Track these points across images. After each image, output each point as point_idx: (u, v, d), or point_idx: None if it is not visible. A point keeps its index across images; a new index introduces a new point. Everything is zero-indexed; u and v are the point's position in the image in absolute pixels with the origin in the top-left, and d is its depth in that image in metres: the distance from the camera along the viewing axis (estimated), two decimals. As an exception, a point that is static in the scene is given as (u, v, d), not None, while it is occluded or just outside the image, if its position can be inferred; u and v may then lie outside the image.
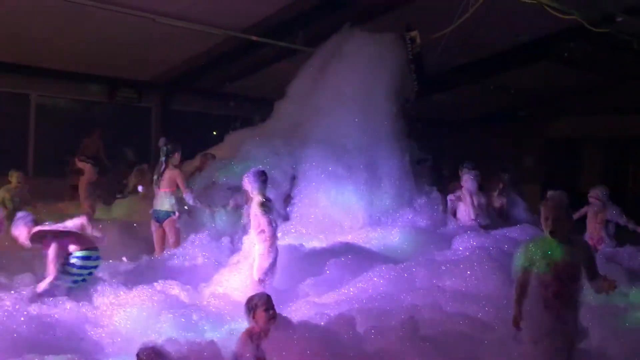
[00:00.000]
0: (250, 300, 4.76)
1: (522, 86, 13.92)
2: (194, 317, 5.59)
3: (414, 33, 10.14)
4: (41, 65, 11.52)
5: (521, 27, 10.97)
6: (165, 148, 8.12)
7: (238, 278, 6.46)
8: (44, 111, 12.44)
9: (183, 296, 6.22)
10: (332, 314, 5.16)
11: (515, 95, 14.79)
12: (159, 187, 8.13)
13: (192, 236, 7.84)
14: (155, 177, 8.21)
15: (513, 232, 8.38)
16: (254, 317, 4.65)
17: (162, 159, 8.14)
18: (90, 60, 11.43)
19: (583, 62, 12.51)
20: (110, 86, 12.77)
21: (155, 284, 6.33)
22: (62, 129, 12.78)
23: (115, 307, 5.67)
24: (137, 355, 4.27)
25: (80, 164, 9.77)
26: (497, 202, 10.18)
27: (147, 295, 5.80)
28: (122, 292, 5.99)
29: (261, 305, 4.64)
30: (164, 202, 8.09)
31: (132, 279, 6.65)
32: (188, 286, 6.54)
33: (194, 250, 7.46)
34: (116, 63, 11.69)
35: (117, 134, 13.17)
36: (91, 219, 9.53)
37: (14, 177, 9.39)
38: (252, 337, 4.60)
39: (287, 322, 4.74)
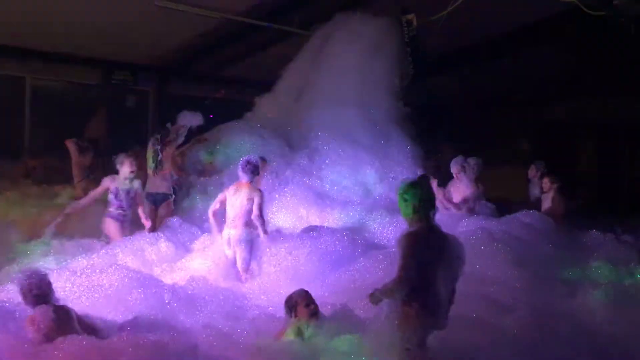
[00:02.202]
0: (289, 299, 4.73)
1: (518, 70, 13.91)
2: (166, 297, 5.54)
3: (410, 16, 10.13)
4: (37, 48, 11.47)
5: (517, 10, 10.93)
6: (160, 132, 8.26)
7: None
8: (39, 94, 12.39)
9: (156, 276, 6.24)
10: (330, 302, 5.13)
11: (511, 79, 14.77)
12: (156, 172, 8.21)
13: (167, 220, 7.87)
14: (152, 162, 8.26)
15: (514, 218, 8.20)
16: (296, 316, 4.62)
17: (158, 146, 8.28)
18: (87, 42, 11.35)
19: (579, 45, 12.48)
20: (106, 69, 12.71)
21: (128, 263, 6.41)
22: (58, 112, 12.74)
23: (87, 286, 5.63)
24: (20, 288, 4.29)
25: (68, 145, 9.75)
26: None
27: (119, 276, 5.75)
28: (94, 271, 5.94)
29: (301, 302, 4.64)
30: (160, 184, 8.15)
31: (106, 258, 6.67)
32: (161, 266, 6.63)
33: (169, 232, 7.45)
34: (112, 46, 11.62)
35: (114, 118, 13.14)
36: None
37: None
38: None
39: None
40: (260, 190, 6.80)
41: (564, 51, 12.80)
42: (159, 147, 8.21)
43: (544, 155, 14.75)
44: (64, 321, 4.20)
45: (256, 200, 6.59)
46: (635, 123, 14.51)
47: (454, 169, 8.60)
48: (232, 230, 6.67)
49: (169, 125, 8.51)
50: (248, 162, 6.71)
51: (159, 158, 8.18)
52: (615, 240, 7.32)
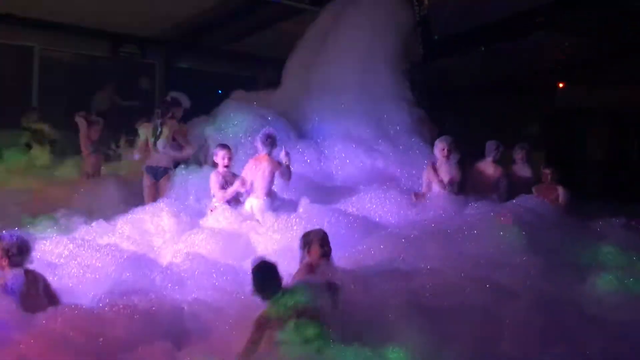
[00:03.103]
0: (306, 235, 4.97)
1: (529, 54, 13.75)
2: (158, 276, 5.43)
3: (421, -5, 10.00)
4: (46, 18, 11.46)
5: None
6: (161, 106, 8.34)
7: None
8: (48, 64, 12.39)
9: (150, 255, 6.13)
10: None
11: (522, 63, 14.62)
12: (156, 146, 8.22)
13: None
14: (152, 136, 8.25)
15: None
16: (308, 252, 4.85)
17: (158, 120, 8.26)
18: (95, 14, 11.33)
19: (591, 30, 12.30)
20: (113, 41, 12.72)
21: (121, 242, 6.33)
22: (66, 82, 12.74)
23: (78, 264, 5.52)
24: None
25: (77, 119, 9.77)
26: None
27: (110, 254, 5.65)
28: (85, 248, 5.85)
29: (317, 241, 4.84)
30: (161, 158, 8.20)
31: (101, 236, 6.61)
32: (155, 244, 6.59)
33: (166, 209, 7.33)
34: (121, 18, 11.60)
35: (121, 90, 13.14)
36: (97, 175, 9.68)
37: None
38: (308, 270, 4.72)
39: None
40: (278, 163, 7.12)
41: (576, 35, 12.63)
42: (159, 121, 8.22)
43: (553, 140, 14.74)
44: (34, 286, 4.24)
45: (276, 171, 7.03)
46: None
47: (437, 148, 7.98)
48: (255, 199, 6.97)
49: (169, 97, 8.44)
50: (269, 136, 7.11)
51: (159, 132, 8.18)
52: (623, 227, 7.20)
